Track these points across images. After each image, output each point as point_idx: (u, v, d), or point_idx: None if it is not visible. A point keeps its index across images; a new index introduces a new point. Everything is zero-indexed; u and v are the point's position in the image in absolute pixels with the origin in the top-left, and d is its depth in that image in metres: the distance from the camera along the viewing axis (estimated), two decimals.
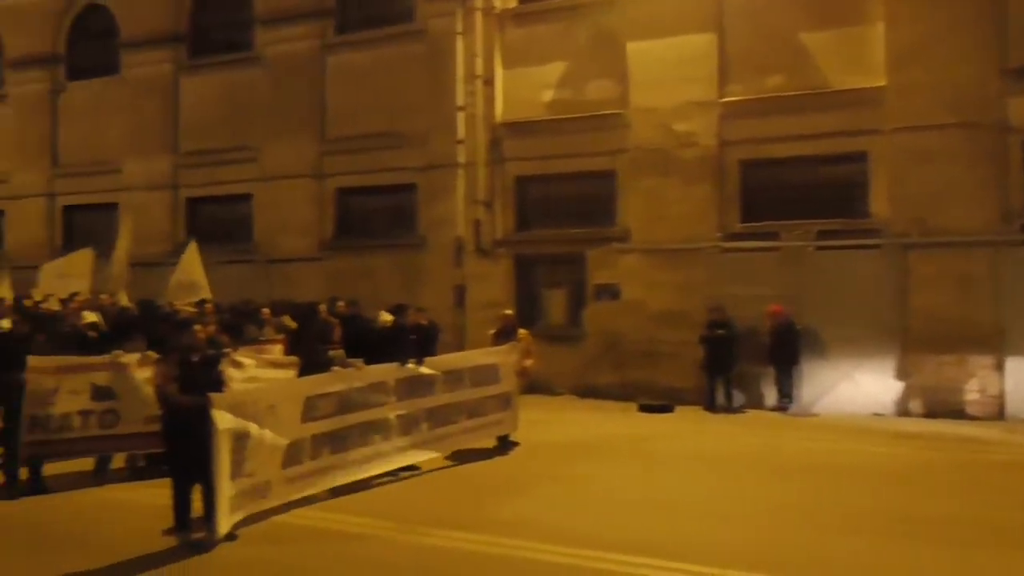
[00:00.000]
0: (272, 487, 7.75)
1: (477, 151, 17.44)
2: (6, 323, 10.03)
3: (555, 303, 17.21)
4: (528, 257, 17.43)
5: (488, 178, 17.49)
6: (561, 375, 16.08)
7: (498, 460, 10.53)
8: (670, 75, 15.69)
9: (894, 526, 7.56)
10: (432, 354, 10.40)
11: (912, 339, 13.82)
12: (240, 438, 7.20)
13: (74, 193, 22.88)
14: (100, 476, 9.41)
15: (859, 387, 13.98)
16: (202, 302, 13.11)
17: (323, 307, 12.56)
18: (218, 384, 7.53)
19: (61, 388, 8.90)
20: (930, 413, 13.57)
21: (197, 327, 7.88)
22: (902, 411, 13.81)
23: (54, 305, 13.59)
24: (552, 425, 12.78)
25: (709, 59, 15.57)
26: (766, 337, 14.38)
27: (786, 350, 14.16)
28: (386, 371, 9.35)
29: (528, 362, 11.55)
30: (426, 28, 18.11)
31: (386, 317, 10.87)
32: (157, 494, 7.79)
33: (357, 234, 19.11)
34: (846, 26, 14.77)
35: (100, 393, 9.15)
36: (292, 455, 7.99)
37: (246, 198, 20.27)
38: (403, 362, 9.56)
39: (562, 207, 17.16)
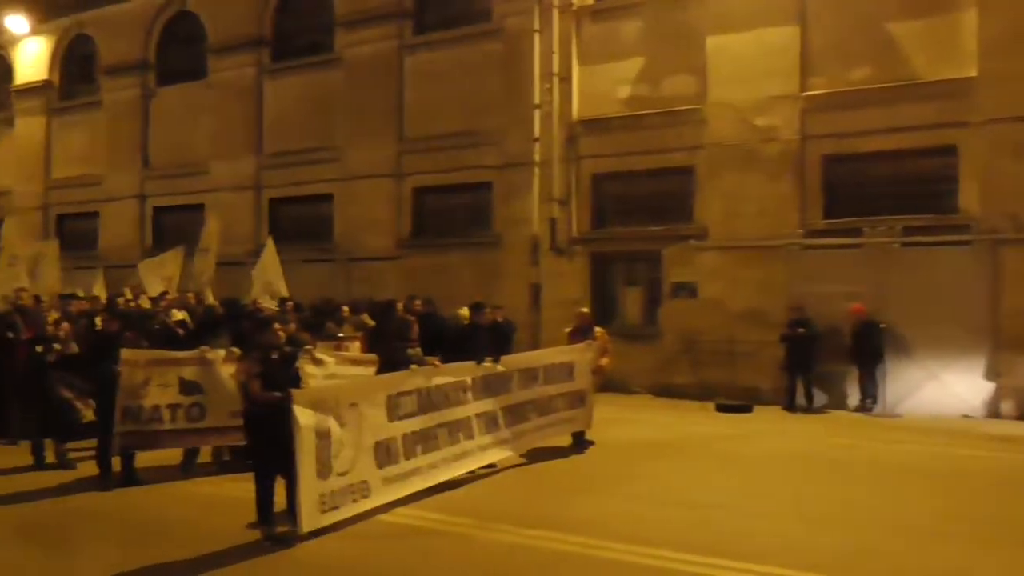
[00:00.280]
0: (371, 487, 7.78)
1: (553, 149, 17.42)
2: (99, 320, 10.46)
3: (631, 301, 17.12)
4: (604, 255, 17.35)
5: (564, 176, 17.46)
6: (637, 374, 15.97)
7: (574, 459, 10.50)
8: (751, 69, 15.44)
9: (986, 531, 7.29)
10: (508, 352, 10.40)
11: (1004, 339, 13.33)
12: (323, 435, 7.27)
13: (163, 195, 23.75)
14: (187, 469, 9.69)
15: (946, 388, 13.53)
16: (284, 300, 13.42)
17: (400, 305, 12.71)
18: (296, 381, 7.66)
19: (152, 381, 9.20)
20: (1023, 415, 13.06)
21: (277, 325, 8.04)
22: (992, 413, 13.33)
23: (145, 303, 14.09)
24: (628, 424, 12.70)
25: (791, 52, 15.27)
26: (848, 336, 14.04)
27: (869, 350, 13.80)
28: (465, 369, 9.40)
29: (604, 361, 11.46)
30: (503, 27, 18.19)
31: (465, 314, 10.95)
32: (242, 488, 7.98)
33: (434, 233, 19.30)
34: (936, 15, 14.32)
35: (188, 387, 9.42)
36: (386, 454, 8.06)
37: (327, 198, 20.69)
38: (480, 360, 9.61)
39: (638, 204, 17.04)
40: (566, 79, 17.43)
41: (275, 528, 7.22)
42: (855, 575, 6.34)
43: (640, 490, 8.90)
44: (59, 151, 26.20)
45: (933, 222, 14.07)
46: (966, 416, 13.27)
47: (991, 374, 13.40)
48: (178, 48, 23.83)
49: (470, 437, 9.25)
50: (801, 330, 14.16)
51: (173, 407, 9.35)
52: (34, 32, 26.00)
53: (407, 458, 8.31)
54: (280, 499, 7.32)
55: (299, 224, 21.30)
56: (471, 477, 9.21)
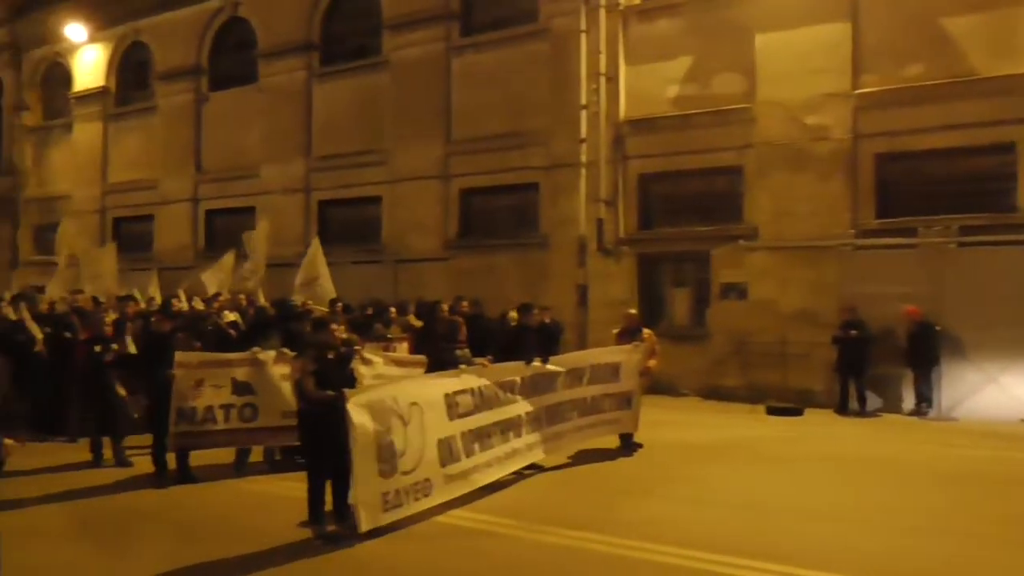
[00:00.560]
0: (433, 485, 7.83)
1: (600, 149, 17.37)
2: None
3: (679, 302, 16.99)
4: (651, 256, 17.24)
5: (611, 176, 17.39)
6: (685, 376, 15.85)
7: (621, 460, 10.45)
8: (801, 67, 15.24)
9: None
10: (555, 353, 10.41)
11: None
12: (382, 434, 7.31)
13: (216, 198, 24.16)
14: (240, 468, 9.84)
15: (1005, 391, 13.19)
16: (334, 301, 13.57)
17: (445, 306, 12.75)
18: (351, 381, 7.72)
19: (205, 382, 9.36)
20: None
21: (334, 326, 8.12)
22: None
23: (198, 304, 14.35)
24: (676, 426, 12.61)
25: (842, 49, 15.04)
26: (903, 339, 13.77)
27: (924, 352, 13.53)
28: (514, 369, 9.44)
29: (652, 362, 11.38)
30: (549, 27, 18.19)
31: (514, 316, 10.97)
32: (293, 487, 8.10)
33: (481, 234, 19.36)
34: (993, 9, 14.03)
35: (240, 388, 9.55)
36: (448, 452, 8.12)
37: (375, 200, 20.88)
38: (528, 361, 9.63)
39: (686, 204, 16.92)
40: (613, 79, 17.36)
41: (326, 527, 7.30)
42: None
43: (688, 493, 8.83)
44: (115, 156, 26.83)
45: (990, 221, 13.75)
46: None
47: None
48: (230, 54, 24.25)
49: (519, 436, 9.28)
50: (854, 332, 13.92)
51: (226, 408, 9.49)
52: (92, 40, 26.72)
53: (467, 456, 8.37)
54: (326, 499, 7.40)
55: (347, 226, 21.54)
56: (517, 478, 9.23)
